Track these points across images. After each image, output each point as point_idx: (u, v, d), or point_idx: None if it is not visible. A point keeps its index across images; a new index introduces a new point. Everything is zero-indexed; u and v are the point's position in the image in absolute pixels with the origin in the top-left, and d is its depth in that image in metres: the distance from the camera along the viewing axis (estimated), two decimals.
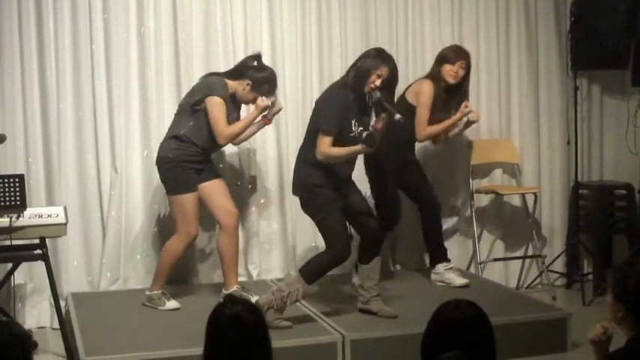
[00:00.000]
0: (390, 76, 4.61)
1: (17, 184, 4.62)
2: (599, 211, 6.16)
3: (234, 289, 5.05)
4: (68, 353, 4.64)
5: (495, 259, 6.18)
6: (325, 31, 5.83)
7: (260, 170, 5.77)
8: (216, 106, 4.89)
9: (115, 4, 5.42)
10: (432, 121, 5.45)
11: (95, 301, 5.24)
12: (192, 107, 4.94)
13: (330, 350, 4.47)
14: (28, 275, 5.31)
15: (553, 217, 6.36)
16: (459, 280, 5.48)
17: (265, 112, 5.02)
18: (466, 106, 5.43)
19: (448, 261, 5.59)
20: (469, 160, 6.08)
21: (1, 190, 4.59)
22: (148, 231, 5.55)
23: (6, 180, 4.62)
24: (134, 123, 5.51)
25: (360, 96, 4.60)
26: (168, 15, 5.52)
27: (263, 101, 4.95)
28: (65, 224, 4.73)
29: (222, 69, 5.30)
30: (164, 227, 5.52)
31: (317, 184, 4.57)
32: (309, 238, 5.67)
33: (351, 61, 4.79)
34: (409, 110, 5.39)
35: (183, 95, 5.23)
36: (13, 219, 4.59)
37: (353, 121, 4.58)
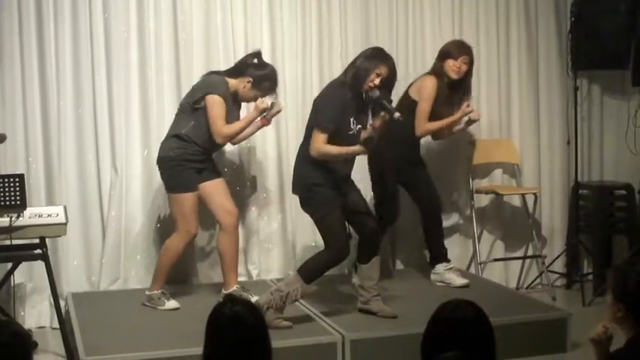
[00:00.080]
0: (389, 75, 4.62)
1: (17, 184, 4.62)
2: (599, 211, 6.16)
3: (233, 288, 5.05)
4: (68, 353, 4.64)
5: (495, 260, 6.18)
6: (325, 30, 5.83)
7: (260, 169, 5.77)
8: (215, 104, 4.89)
9: (116, 4, 5.42)
10: (434, 116, 5.43)
11: (95, 300, 5.24)
12: (192, 106, 4.94)
13: (330, 350, 4.47)
14: (28, 275, 5.31)
15: (553, 217, 6.36)
16: (459, 281, 5.47)
17: (264, 113, 5.01)
18: (468, 106, 5.43)
19: (448, 261, 5.59)
20: (469, 160, 6.08)
21: (1, 189, 4.59)
22: (148, 231, 5.55)
23: (6, 179, 4.62)
24: (134, 123, 5.51)
25: (358, 94, 4.60)
26: (168, 15, 5.52)
27: (262, 103, 4.95)
28: (65, 224, 4.73)
29: (223, 69, 5.30)
30: (164, 227, 5.52)
31: (316, 183, 4.58)
32: (309, 237, 5.67)
33: (351, 61, 4.79)
34: (412, 107, 5.38)
35: (183, 95, 5.23)
36: (13, 218, 4.59)
37: (351, 119, 4.58)
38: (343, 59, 5.69)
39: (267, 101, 5.02)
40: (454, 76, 5.44)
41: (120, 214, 5.47)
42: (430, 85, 5.40)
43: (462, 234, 6.15)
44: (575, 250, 6.20)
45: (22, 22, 5.26)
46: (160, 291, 5.03)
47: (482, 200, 6.18)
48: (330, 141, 4.52)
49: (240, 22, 5.65)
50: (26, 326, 5.18)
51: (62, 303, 5.09)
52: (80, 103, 5.41)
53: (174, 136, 4.97)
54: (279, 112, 5.08)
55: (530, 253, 6.28)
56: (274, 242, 5.81)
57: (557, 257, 6.29)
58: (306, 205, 4.68)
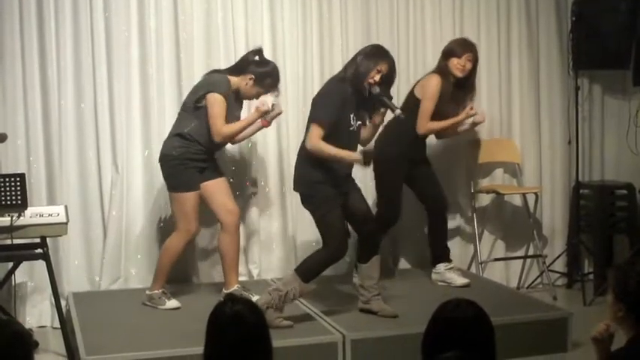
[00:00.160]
0: (389, 71, 4.62)
1: (18, 183, 4.62)
2: (600, 210, 6.15)
3: (234, 288, 5.05)
4: (69, 352, 4.64)
5: (496, 259, 6.17)
6: (326, 29, 5.83)
7: (260, 168, 5.77)
8: (216, 103, 4.88)
9: (116, 3, 5.42)
10: (439, 115, 5.41)
11: (96, 300, 5.25)
12: (195, 105, 4.94)
13: (331, 350, 4.47)
14: (29, 274, 5.31)
15: (554, 216, 6.36)
16: (460, 280, 5.47)
17: (265, 115, 5.01)
18: (471, 109, 5.42)
19: (450, 261, 5.59)
20: (470, 159, 6.08)
21: (2, 189, 4.59)
22: (149, 230, 5.55)
23: (7, 179, 4.62)
24: (135, 122, 5.51)
25: (358, 90, 4.60)
26: (169, 13, 5.52)
27: (263, 105, 4.94)
28: (66, 223, 4.74)
29: (223, 67, 5.29)
30: (165, 226, 5.53)
31: (317, 181, 4.58)
32: (310, 236, 5.66)
33: (350, 58, 4.77)
34: (416, 105, 5.37)
35: (184, 94, 5.24)
36: (14, 218, 4.60)
37: (351, 116, 4.59)
38: (344, 58, 5.66)
39: (268, 101, 5.02)
40: (459, 74, 5.42)
41: (121, 213, 5.47)
42: (434, 84, 5.39)
43: (462, 233, 6.15)
44: (576, 250, 6.20)
45: (22, 21, 5.27)
46: (160, 290, 5.03)
47: (483, 200, 6.18)
48: (330, 137, 4.52)
49: (241, 21, 5.65)
50: (27, 326, 5.18)
51: (63, 302, 5.09)
52: (81, 103, 5.41)
53: (176, 135, 4.97)
54: (279, 114, 5.08)
55: (531, 252, 6.28)
56: (275, 242, 5.81)
57: (557, 257, 6.28)
58: (306, 202, 4.69)
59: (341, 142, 4.55)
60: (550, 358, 4.74)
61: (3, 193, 4.59)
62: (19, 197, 4.62)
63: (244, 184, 5.74)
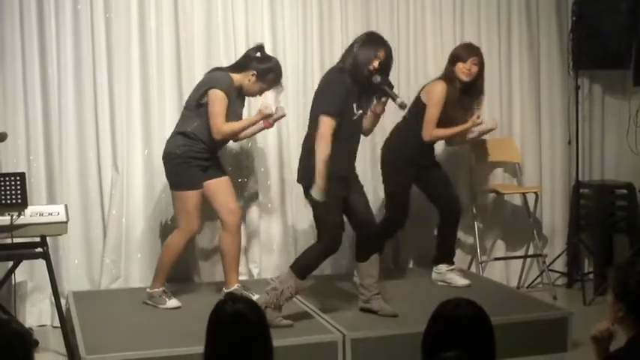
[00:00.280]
0: (386, 58, 4.61)
1: (18, 183, 4.62)
2: (600, 210, 6.15)
3: (234, 287, 5.05)
4: (69, 351, 4.64)
5: (496, 259, 6.18)
6: (326, 27, 5.82)
7: (261, 165, 5.76)
8: (217, 99, 4.88)
9: (117, 3, 5.42)
10: (447, 120, 5.38)
11: (96, 299, 5.25)
12: (197, 102, 4.94)
13: (331, 349, 4.47)
14: (29, 273, 5.31)
15: (554, 216, 6.36)
16: (461, 281, 5.46)
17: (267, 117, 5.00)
18: (478, 117, 5.40)
19: (452, 263, 5.58)
20: (470, 159, 6.08)
21: (2, 188, 4.59)
22: (149, 230, 5.55)
23: (7, 178, 4.62)
24: (135, 122, 5.51)
25: (358, 80, 4.59)
26: (169, 12, 5.52)
27: (267, 108, 4.94)
28: (66, 223, 4.74)
29: (224, 66, 5.29)
30: (165, 226, 5.53)
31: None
32: (310, 236, 5.66)
33: (346, 49, 4.75)
34: (422, 110, 5.37)
35: (184, 95, 5.24)
36: (14, 217, 4.60)
37: (354, 105, 4.59)
38: None
39: (271, 104, 5.02)
40: (465, 78, 5.40)
41: (121, 212, 5.47)
42: (439, 90, 5.37)
43: (462, 233, 6.14)
44: (576, 250, 6.20)
45: (23, 21, 5.27)
46: (161, 289, 5.03)
47: (483, 199, 6.18)
48: (336, 125, 4.51)
49: (241, 20, 5.64)
50: (27, 325, 5.19)
51: (63, 301, 5.09)
52: (81, 103, 5.41)
53: (180, 133, 4.97)
54: (283, 116, 5.07)
55: (531, 252, 6.28)
56: (275, 241, 5.81)
57: (558, 256, 6.29)
58: (308, 194, 4.67)
59: (343, 132, 4.55)
60: (550, 357, 4.74)
61: (3, 192, 4.59)
62: (19, 196, 4.62)
63: (245, 181, 5.72)
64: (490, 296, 5.04)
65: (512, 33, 6.23)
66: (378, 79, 4.59)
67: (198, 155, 4.94)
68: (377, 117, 4.79)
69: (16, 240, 4.66)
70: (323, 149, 4.49)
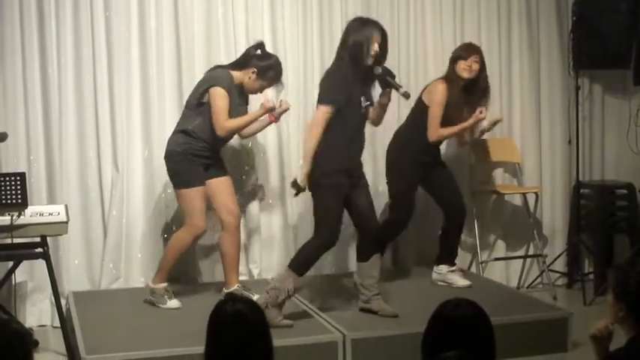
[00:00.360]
0: (382, 40, 4.60)
1: (18, 183, 4.62)
2: (601, 210, 6.15)
3: (234, 287, 5.05)
4: (69, 352, 4.64)
5: (496, 259, 6.17)
6: (327, 26, 5.82)
7: (261, 164, 5.76)
8: (218, 97, 4.87)
9: (117, 3, 5.42)
10: (451, 120, 5.37)
11: (96, 299, 5.25)
12: (198, 101, 4.94)
13: (331, 349, 4.47)
14: (29, 273, 5.31)
15: (554, 216, 6.36)
16: (462, 282, 5.46)
17: (272, 111, 4.99)
18: (480, 112, 5.38)
19: (454, 265, 5.58)
20: (470, 159, 6.08)
21: (3, 188, 4.59)
22: (149, 230, 5.55)
23: (7, 178, 4.62)
24: (135, 122, 5.51)
25: (360, 66, 4.57)
26: (169, 12, 5.52)
27: (269, 102, 4.94)
28: (66, 223, 4.73)
29: (225, 61, 5.29)
30: (165, 226, 5.53)
31: (322, 167, 4.56)
32: (311, 235, 5.65)
33: (341, 41, 4.74)
34: (424, 110, 5.36)
35: (184, 94, 5.24)
36: (14, 217, 4.59)
37: (362, 98, 4.59)
38: None
39: (273, 99, 5.01)
40: (466, 75, 5.39)
41: (121, 213, 5.47)
42: (440, 89, 5.37)
43: (463, 233, 6.13)
44: (576, 250, 6.20)
45: (23, 21, 5.27)
46: (164, 287, 5.01)
47: (484, 199, 6.18)
48: (340, 117, 4.51)
49: (242, 18, 5.64)
50: (27, 325, 5.19)
51: (63, 302, 5.09)
52: (81, 103, 5.41)
53: (181, 131, 4.97)
54: (287, 110, 5.05)
55: (531, 252, 6.28)
56: (275, 241, 5.81)
57: (558, 256, 6.29)
58: (310, 187, 4.66)
59: (349, 124, 4.55)
60: (550, 357, 4.74)
61: (3, 192, 4.59)
62: (19, 196, 4.62)
63: (245, 179, 5.72)
64: (490, 296, 5.04)
65: (512, 33, 6.23)
66: (379, 70, 4.60)
67: (199, 153, 4.93)
68: (383, 108, 4.78)
69: (17, 240, 4.65)
70: (313, 136, 4.50)
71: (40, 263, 4.77)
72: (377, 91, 4.74)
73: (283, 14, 5.74)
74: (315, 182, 4.63)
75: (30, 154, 5.33)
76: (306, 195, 5.48)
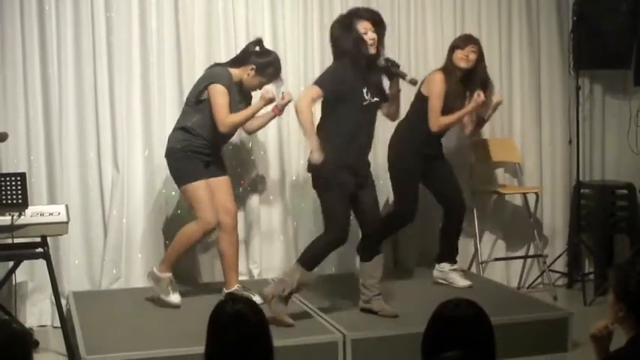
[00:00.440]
0: (376, 28, 4.60)
1: (19, 183, 4.62)
2: (601, 210, 6.15)
3: (235, 288, 5.05)
4: (69, 352, 4.64)
5: (497, 259, 6.18)
6: (327, 26, 5.79)
7: (261, 162, 5.75)
8: (218, 93, 4.87)
9: (117, 2, 5.42)
10: (451, 112, 5.34)
11: (96, 299, 5.25)
12: (197, 98, 4.94)
13: (331, 349, 4.47)
14: (30, 274, 5.31)
15: (554, 216, 6.36)
16: (462, 282, 5.45)
17: (275, 103, 4.98)
18: (479, 95, 5.34)
19: (455, 263, 5.57)
20: (470, 159, 6.08)
21: (3, 188, 4.59)
22: (149, 230, 5.55)
23: (7, 178, 4.62)
24: (136, 123, 5.51)
25: (364, 65, 4.58)
26: (170, 12, 5.51)
27: (268, 93, 4.93)
28: (67, 223, 4.73)
29: (225, 60, 5.28)
30: (165, 226, 5.53)
31: (327, 165, 4.56)
32: (312, 234, 5.65)
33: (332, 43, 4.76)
34: (424, 102, 5.33)
35: (185, 94, 5.24)
36: (14, 217, 4.59)
37: (364, 90, 4.58)
38: None
39: (272, 90, 5.00)
40: (463, 64, 5.37)
41: (121, 213, 5.46)
42: (437, 79, 5.35)
43: (463, 233, 6.12)
44: (577, 250, 6.20)
45: (24, 21, 5.27)
46: (169, 277, 4.96)
47: (484, 199, 6.18)
48: (341, 111, 4.53)
49: (242, 18, 5.64)
50: (27, 325, 5.19)
51: (63, 302, 5.08)
52: (82, 103, 5.41)
53: (180, 128, 4.97)
54: (289, 101, 5.01)
55: (531, 252, 6.28)
56: (275, 242, 5.80)
57: (558, 257, 6.29)
58: (315, 185, 4.70)
59: (352, 119, 4.55)
60: (550, 358, 4.74)
61: (3, 193, 4.59)
62: (19, 196, 4.61)
63: (245, 176, 5.71)
64: (490, 296, 5.04)
65: (512, 33, 6.23)
66: (381, 62, 4.61)
67: (199, 150, 4.93)
68: (396, 98, 4.79)
69: (17, 240, 4.65)
70: (303, 112, 4.51)
71: (41, 263, 4.77)
72: (385, 83, 4.74)
73: (284, 13, 5.74)
74: (316, 181, 4.64)
75: (30, 154, 5.33)
76: (306, 192, 5.51)
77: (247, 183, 5.73)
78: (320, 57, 5.77)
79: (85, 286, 5.48)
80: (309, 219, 5.78)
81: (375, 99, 4.64)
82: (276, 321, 4.46)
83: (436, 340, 2.58)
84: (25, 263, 4.99)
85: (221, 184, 5.06)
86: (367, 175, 4.75)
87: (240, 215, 5.64)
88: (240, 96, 5.04)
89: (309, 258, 4.62)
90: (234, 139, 5.52)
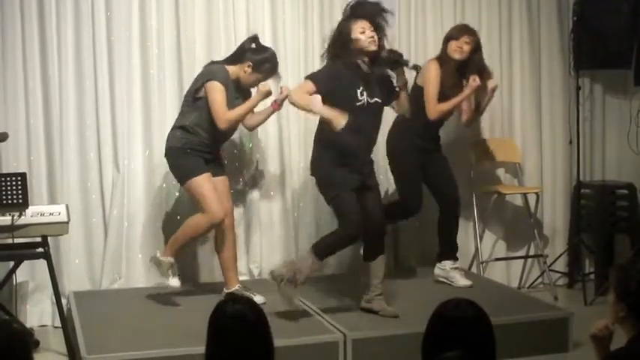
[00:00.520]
0: (371, 21, 4.62)
1: (19, 183, 4.62)
2: (601, 210, 6.15)
3: (235, 288, 5.04)
4: (70, 351, 4.64)
5: (497, 259, 6.17)
6: (327, 25, 5.80)
7: (261, 161, 5.75)
8: (215, 90, 4.86)
9: (118, 2, 5.41)
10: (445, 101, 5.34)
11: (97, 299, 5.25)
12: (194, 96, 4.93)
13: (332, 349, 4.47)
14: (30, 274, 5.31)
15: (555, 216, 6.36)
16: (463, 281, 5.45)
17: (274, 98, 4.98)
18: (474, 80, 5.32)
19: (456, 259, 5.57)
20: (471, 159, 6.08)
21: (3, 188, 4.59)
22: (150, 230, 5.55)
23: (8, 178, 4.63)
24: (136, 123, 5.50)
25: (348, 55, 4.60)
26: (170, 11, 5.51)
27: (264, 86, 4.93)
28: (67, 223, 4.74)
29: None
30: (166, 226, 5.52)
31: (327, 163, 4.60)
32: (311, 237, 5.65)
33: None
34: (421, 94, 5.32)
35: (185, 91, 5.23)
36: (15, 217, 4.60)
37: (358, 91, 4.59)
38: None
39: (269, 84, 5.00)
40: (457, 56, 5.34)
41: (122, 213, 5.46)
42: (432, 68, 5.32)
43: (463, 233, 6.13)
44: (577, 250, 6.20)
45: (24, 21, 5.27)
46: (170, 262, 4.92)
47: (484, 199, 6.18)
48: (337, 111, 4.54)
49: (242, 17, 5.64)
50: (28, 325, 5.19)
51: (64, 301, 5.08)
52: (82, 103, 5.41)
53: (179, 127, 4.96)
54: (287, 96, 5.03)
55: (531, 252, 6.27)
56: (276, 241, 5.80)
57: (559, 256, 6.28)
58: (318, 185, 4.73)
59: (352, 118, 4.53)
60: (551, 358, 4.74)
61: (4, 193, 4.59)
62: (20, 196, 4.62)
63: (244, 173, 5.71)
64: (491, 296, 5.04)
65: (513, 33, 6.23)
66: (384, 53, 4.62)
67: (198, 147, 4.92)
68: (404, 90, 4.79)
69: (17, 240, 4.66)
70: (297, 98, 4.59)
71: (41, 263, 4.77)
72: (393, 78, 4.74)
73: (284, 11, 5.74)
74: (318, 183, 4.71)
75: (30, 154, 5.33)
76: (306, 191, 5.51)
77: (247, 181, 5.73)
78: (320, 52, 5.75)
79: (86, 286, 5.48)
80: (309, 218, 5.78)
81: (375, 99, 4.64)
82: (288, 304, 4.58)
83: (436, 340, 2.58)
84: (26, 263, 4.99)
85: (218, 184, 5.05)
86: (370, 175, 4.76)
87: (241, 214, 5.65)
88: (238, 93, 5.03)
89: (323, 248, 4.63)
90: (236, 136, 5.52)
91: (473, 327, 2.58)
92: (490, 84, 5.47)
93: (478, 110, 5.59)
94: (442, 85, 5.32)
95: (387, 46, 4.76)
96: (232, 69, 4.98)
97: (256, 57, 4.98)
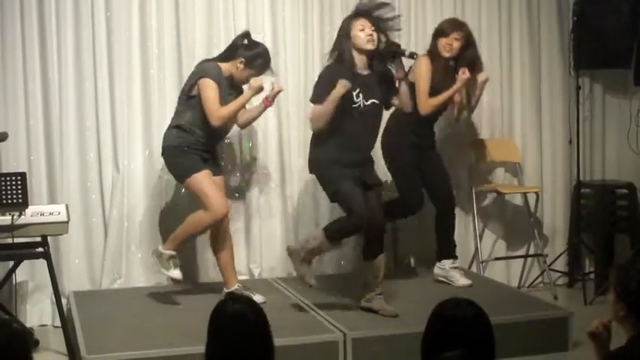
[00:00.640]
0: (370, 19, 4.63)
1: (19, 182, 4.62)
2: (601, 210, 6.15)
3: (235, 287, 5.04)
4: (69, 351, 4.64)
5: (497, 258, 6.17)
6: (327, 25, 5.81)
7: (261, 160, 5.75)
8: (207, 87, 4.85)
9: (118, 2, 5.42)
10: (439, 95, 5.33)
11: (96, 299, 5.25)
12: (188, 95, 4.93)
13: (332, 348, 4.47)
14: (30, 273, 5.31)
15: (555, 216, 6.36)
16: (462, 281, 5.45)
17: (266, 95, 4.98)
18: (464, 73, 5.29)
19: (455, 258, 5.56)
20: (471, 159, 6.08)
21: (3, 188, 4.59)
22: (150, 230, 5.55)
23: (8, 178, 4.63)
24: (136, 123, 5.51)
25: (344, 58, 4.64)
26: (170, 11, 5.51)
27: (257, 81, 4.92)
28: (67, 222, 4.74)
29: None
30: (166, 226, 5.52)
31: (323, 160, 4.62)
32: (310, 229, 5.66)
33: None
34: (413, 90, 5.32)
35: None
36: (14, 217, 4.60)
37: (354, 93, 4.60)
38: None
39: (261, 80, 4.99)
40: (445, 54, 5.32)
41: (121, 213, 5.47)
42: (423, 64, 5.29)
43: (463, 233, 6.14)
44: (577, 249, 6.20)
45: (24, 21, 5.27)
46: (170, 254, 4.90)
47: (484, 199, 6.18)
48: (334, 115, 4.55)
49: (242, 17, 5.63)
50: (28, 324, 5.20)
51: (64, 301, 5.08)
52: (82, 103, 5.41)
53: (174, 126, 4.96)
54: (279, 92, 5.01)
55: (531, 251, 6.27)
56: (276, 242, 5.79)
57: (558, 256, 6.28)
58: (321, 185, 4.76)
59: (346, 121, 4.57)
60: (550, 357, 4.74)
61: (4, 192, 4.59)
62: (19, 196, 4.62)
63: (244, 172, 5.71)
64: (491, 296, 5.04)
65: (513, 33, 6.23)
66: (382, 46, 4.63)
67: (194, 146, 4.91)
68: (403, 82, 4.79)
69: (17, 240, 4.66)
70: (317, 117, 4.62)
71: (41, 263, 4.77)
72: (394, 69, 4.74)
73: (284, 11, 5.74)
74: (319, 180, 4.74)
75: (30, 154, 5.33)
76: (306, 189, 5.51)
77: (246, 180, 5.73)
78: (320, 57, 5.75)
79: (86, 285, 5.48)
80: (309, 217, 5.78)
81: (372, 101, 4.65)
82: (300, 275, 4.69)
83: (436, 340, 2.58)
84: (26, 263, 4.99)
85: (216, 184, 5.05)
86: (371, 174, 4.76)
87: (240, 213, 5.65)
88: (232, 90, 5.02)
89: (334, 230, 4.66)
90: (235, 139, 5.52)
91: (472, 326, 2.57)
92: (480, 77, 5.44)
93: (469, 104, 5.57)
94: (433, 80, 5.29)
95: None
96: (225, 66, 4.97)
97: (248, 53, 4.98)
